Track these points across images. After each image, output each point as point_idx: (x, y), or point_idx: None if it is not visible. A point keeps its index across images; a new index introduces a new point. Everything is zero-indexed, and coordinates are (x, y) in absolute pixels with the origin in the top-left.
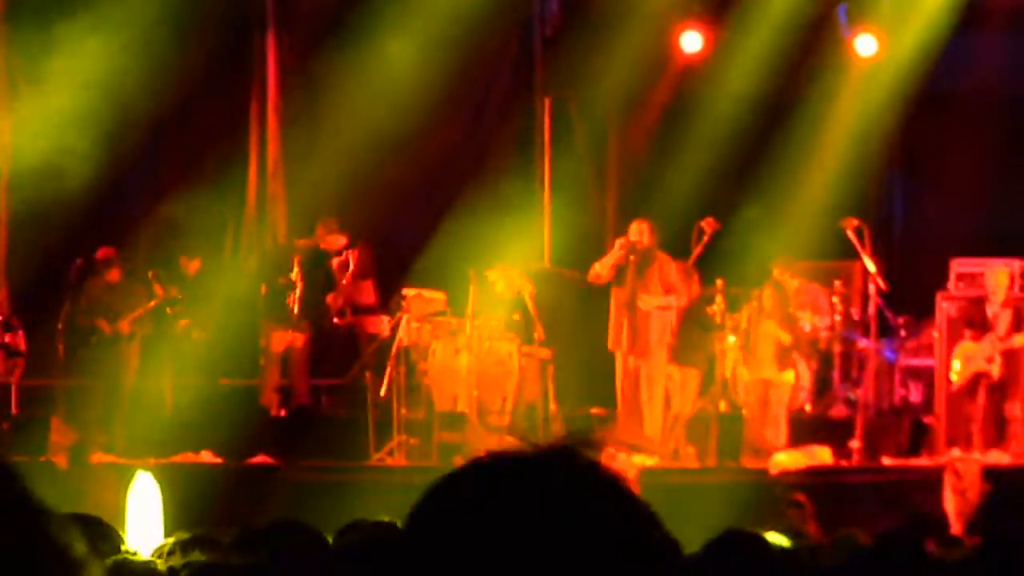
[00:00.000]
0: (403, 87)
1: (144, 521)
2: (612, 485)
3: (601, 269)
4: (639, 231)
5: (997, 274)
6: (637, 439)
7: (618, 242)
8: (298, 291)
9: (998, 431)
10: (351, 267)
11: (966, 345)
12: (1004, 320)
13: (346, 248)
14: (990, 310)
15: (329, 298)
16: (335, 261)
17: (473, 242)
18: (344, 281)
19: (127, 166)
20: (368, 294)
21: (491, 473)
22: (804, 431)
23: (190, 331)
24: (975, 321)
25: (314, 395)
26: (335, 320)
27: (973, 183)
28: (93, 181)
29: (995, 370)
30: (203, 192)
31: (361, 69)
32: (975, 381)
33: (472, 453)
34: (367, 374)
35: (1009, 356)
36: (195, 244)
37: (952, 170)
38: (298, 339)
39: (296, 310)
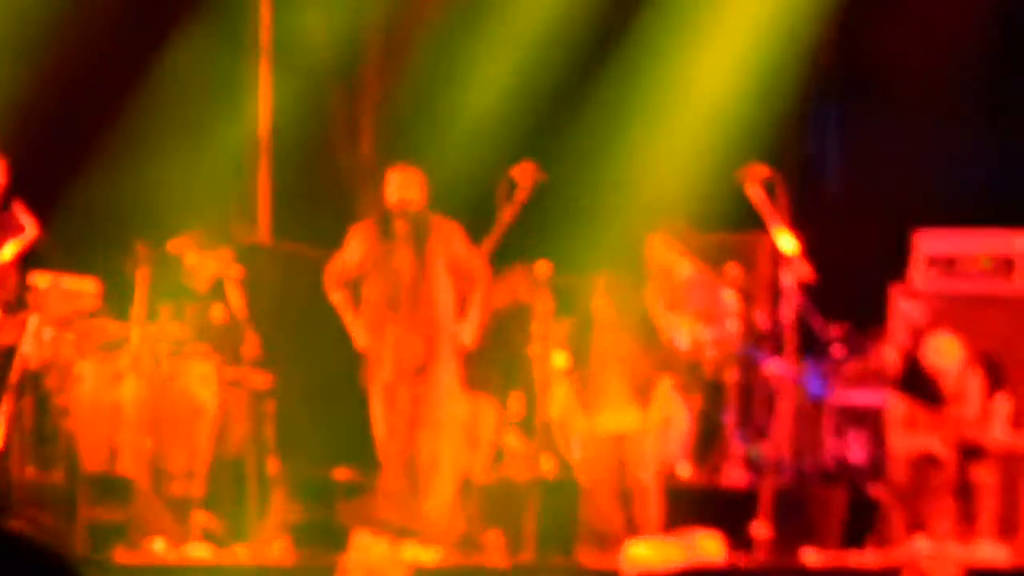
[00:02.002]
0: None
1: None
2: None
3: (344, 266)
4: (404, 184)
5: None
6: (407, 518)
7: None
8: None
9: (970, 510)
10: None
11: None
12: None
13: (3, 205)
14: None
15: None
16: None
17: (144, 197)
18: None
19: None
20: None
21: None
22: (680, 507)
23: None
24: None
25: None
26: None
27: (944, 112)
28: None
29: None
30: None
31: None
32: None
33: (141, 538)
34: None
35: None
36: None
37: (913, 93)
38: None
39: None
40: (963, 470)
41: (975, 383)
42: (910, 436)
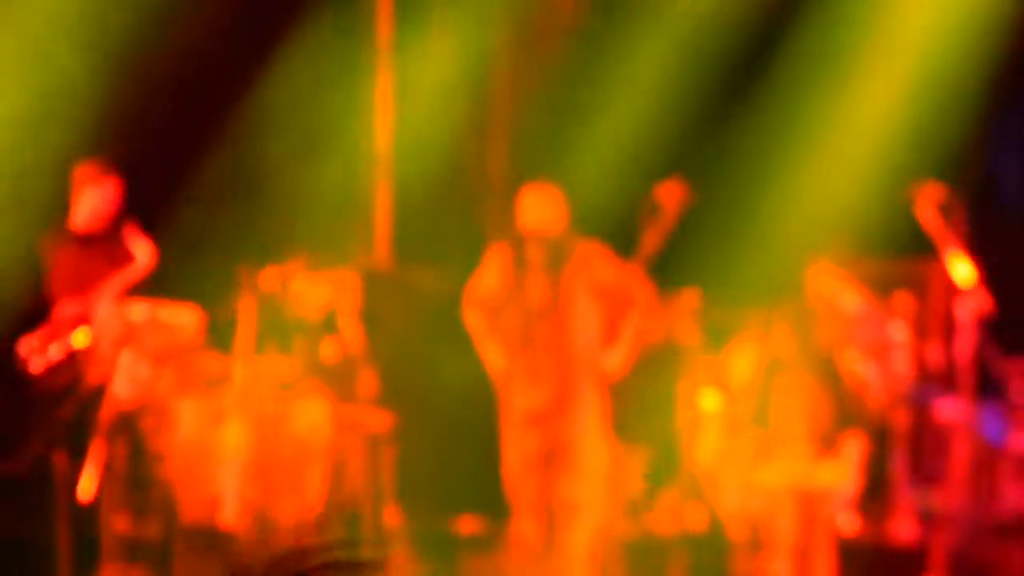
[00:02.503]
0: None
1: None
2: None
3: (482, 290)
4: (539, 205)
5: None
6: (540, 575)
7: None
8: None
9: None
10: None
11: None
12: None
13: (114, 231)
14: None
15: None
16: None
17: (252, 219)
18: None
19: None
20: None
21: None
22: (843, 566)
23: None
24: None
25: None
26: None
27: None
28: None
29: None
30: None
31: None
32: None
33: None
34: (56, 458)
35: None
36: None
37: None
38: None
39: None
40: None
41: None
42: None
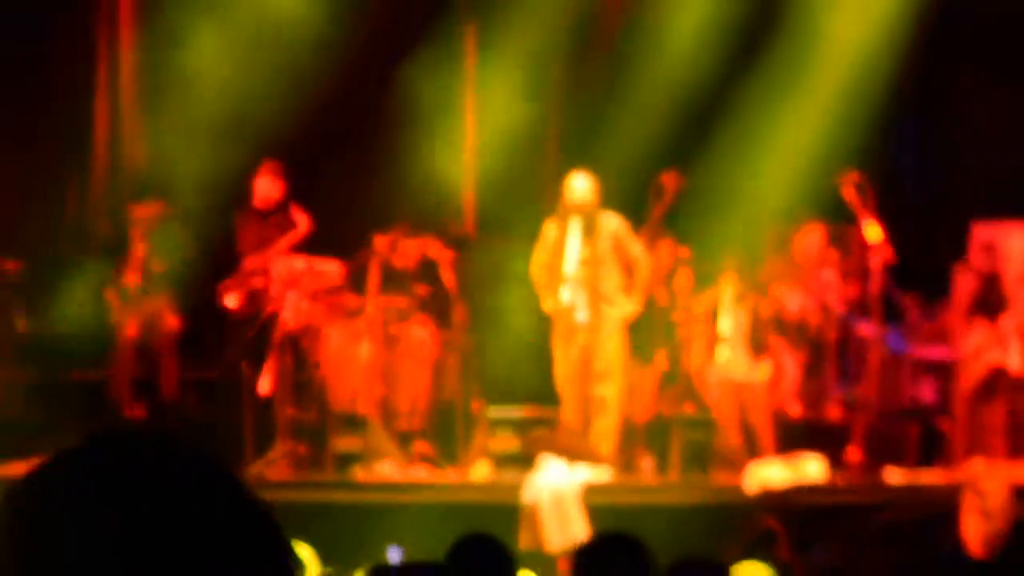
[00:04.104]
0: (289, 8)
1: None
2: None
3: (541, 253)
4: (580, 186)
5: (1013, 241)
6: (581, 446)
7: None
8: (147, 262)
9: (1020, 439)
10: (297, 229)
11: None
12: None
13: (283, 206)
14: (1007, 285)
15: (251, 265)
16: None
17: (377, 199)
18: (278, 247)
19: None
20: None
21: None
22: (790, 438)
23: (16, 316)
24: (989, 302)
25: (182, 391)
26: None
27: (1006, 127)
28: None
29: (1013, 361)
30: (42, 154)
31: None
32: (992, 377)
33: (375, 463)
34: (243, 365)
35: None
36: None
37: (979, 111)
38: (162, 322)
39: (142, 285)
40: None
41: None
42: (985, 352)
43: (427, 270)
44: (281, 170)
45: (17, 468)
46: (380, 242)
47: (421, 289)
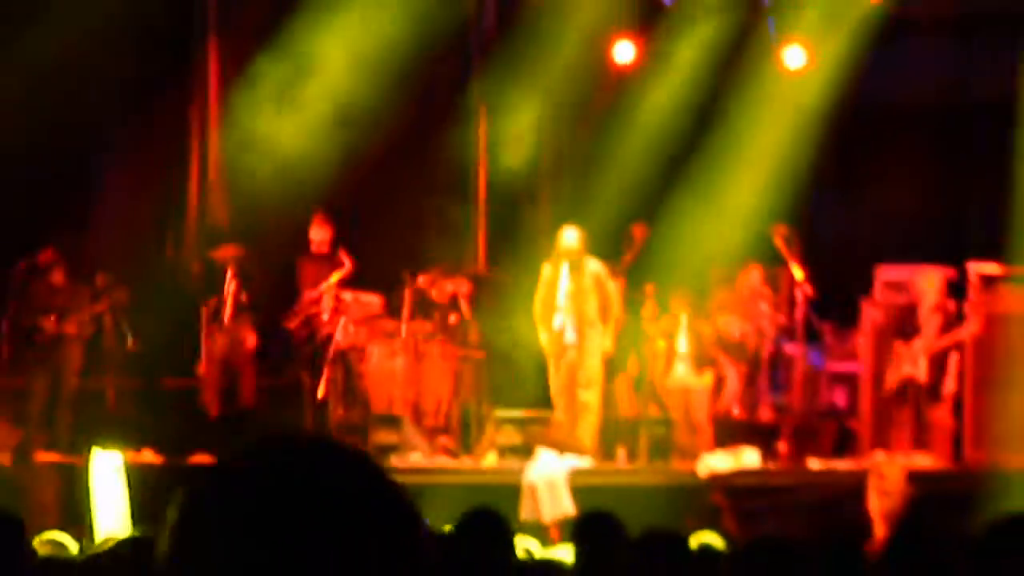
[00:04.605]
0: (340, 94)
1: (110, 500)
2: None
3: (542, 292)
4: (570, 237)
5: (928, 279)
6: (569, 439)
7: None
8: (237, 293)
9: (922, 436)
10: (344, 268)
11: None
12: (933, 324)
13: (332, 250)
14: (920, 315)
15: (308, 298)
16: (314, 256)
17: (409, 247)
18: (330, 283)
19: (66, 171)
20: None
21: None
22: (733, 434)
23: (126, 334)
24: (906, 326)
25: (258, 397)
26: (302, 323)
27: (901, 193)
28: (26, 184)
29: (921, 374)
30: (145, 197)
31: (298, 74)
32: (903, 386)
33: (407, 453)
34: (304, 375)
35: (936, 361)
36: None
37: (880, 179)
38: (244, 341)
39: (232, 312)
40: (924, 412)
41: (935, 322)
42: (895, 368)
43: (450, 300)
44: (328, 217)
45: (128, 457)
46: (424, 280)
47: (454, 318)
